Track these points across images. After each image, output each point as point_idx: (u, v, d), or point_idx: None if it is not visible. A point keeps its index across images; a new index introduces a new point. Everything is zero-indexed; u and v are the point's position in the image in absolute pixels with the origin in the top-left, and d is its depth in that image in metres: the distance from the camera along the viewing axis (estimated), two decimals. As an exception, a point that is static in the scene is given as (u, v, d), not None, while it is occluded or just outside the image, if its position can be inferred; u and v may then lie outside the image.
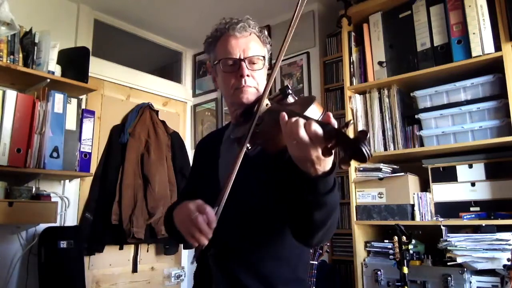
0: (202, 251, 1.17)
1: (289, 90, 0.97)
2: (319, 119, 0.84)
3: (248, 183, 1.09)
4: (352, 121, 0.79)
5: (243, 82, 1.08)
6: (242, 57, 1.09)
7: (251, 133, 0.91)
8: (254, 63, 1.11)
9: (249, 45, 1.10)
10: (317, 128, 0.75)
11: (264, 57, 1.14)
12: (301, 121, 0.77)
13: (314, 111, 0.86)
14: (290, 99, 0.97)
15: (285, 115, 0.81)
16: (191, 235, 0.90)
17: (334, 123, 0.77)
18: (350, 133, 2.36)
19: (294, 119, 0.79)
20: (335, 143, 0.72)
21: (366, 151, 0.67)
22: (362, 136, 0.68)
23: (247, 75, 1.08)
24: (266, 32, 1.18)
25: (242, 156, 0.91)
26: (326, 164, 0.81)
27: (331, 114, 0.78)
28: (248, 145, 0.90)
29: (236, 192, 1.10)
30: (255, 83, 1.10)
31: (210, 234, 0.89)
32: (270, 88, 0.98)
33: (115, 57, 3.13)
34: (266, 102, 0.97)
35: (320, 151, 0.76)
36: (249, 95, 1.09)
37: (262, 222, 1.08)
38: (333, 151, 0.73)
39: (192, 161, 1.40)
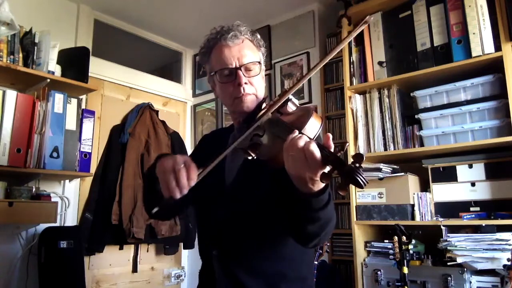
0: (206, 252, 1.18)
1: (289, 96, 0.97)
2: (318, 133, 0.86)
3: (252, 184, 1.09)
4: (348, 144, 0.79)
5: (242, 91, 1.08)
6: (237, 66, 1.08)
7: (251, 144, 0.92)
8: (250, 70, 1.10)
9: (243, 52, 1.10)
10: (315, 152, 0.75)
11: (259, 62, 1.13)
12: (302, 142, 0.77)
13: (313, 124, 0.86)
14: (291, 106, 0.97)
15: (295, 132, 0.82)
16: (167, 184, 0.89)
17: (332, 145, 0.77)
18: (350, 129, 2.37)
19: (295, 138, 0.79)
20: (331, 169, 0.74)
21: (361, 180, 0.68)
22: (357, 162, 0.70)
23: (245, 83, 1.08)
24: (258, 35, 1.18)
25: (222, 156, 0.92)
26: (320, 184, 0.81)
27: (330, 136, 0.78)
28: (253, 154, 0.91)
29: (240, 193, 1.11)
30: (253, 89, 1.10)
31: (186, 190, 0.89)
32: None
33: (115, 57, 3.13)
34: (268, 113, 0.97)
35: (314, 173, 0.77)
36: (249, 103, 1.10)
37: (265, 222, 1.08)
38: (330, 177, 0.74)
39: (192, 152, 1.38)
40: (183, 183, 0.88)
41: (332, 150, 0.76)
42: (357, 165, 0.69)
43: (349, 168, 0.69)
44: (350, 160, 0.73)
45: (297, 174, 0.80)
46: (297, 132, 0.82)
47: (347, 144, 0.78)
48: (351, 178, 0.68)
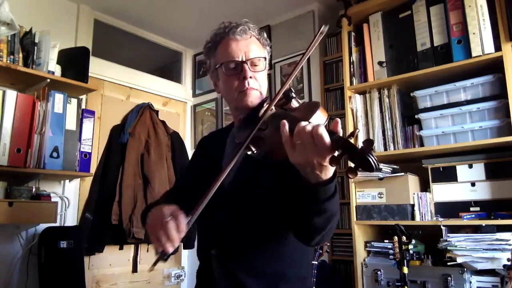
0: (205, 251, 1.18)
1: (293, 94, 0.97)
2: (325, 125, 0.85)
3: (251, 182, 1.09)
4: (358, 130, 0.78)
5: (247, 84, 1.08)
6: (244, 59, 1.09)
7: (252, 138, 0.90)
8: (256, 65, 1.11)
9: (250, 47, 1.11)
10: (324, 135, 0.74)
11: (265, 58, 1.14)
12: (309, 127, 0.76)
13: (319, 117, 0.85)
14: (294, 103, 0.96)
15: (285, 123, 0.80)
16: (158, 240, 0.88)
17: (340, 131, 0.77)
18: (350, 129, 2.37)
19: (302, 125, 0.77)
20: (342, 152, 0.73)
21: (373, 161, 0.67)
22: (368, 145, 0.69)
23: (250, 77, 1.08)
24: (265, 34, 1.19)
25: (233, 163, 0.89)
26: (328, 171, 0.80)
27: (339, 121, 0.78)
28: (253, 149, 0.90)
29: (239, 191, 1.11)
30: (257, 85, 1.10)
31: (177, 242, 0.88)
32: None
33: (115, 57, 3.13)
34: (271, 107, 0.96)
35: (323, 157, 0.76)
36: (253, 98, 1.09)
37: (265, 221, 1.08)
38: (340, 161, 0.73)
39: (191, 157, 1.39)
40: (173, 237, 0.87)
41: (341, 134, 0.75)
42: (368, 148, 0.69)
43: (361, 150, 0.69)
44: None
45: (305, 161, 0.78)
46: (285, 123, 0.81)
47: (358, 130, 0.77)
48: (363, 160, 0.67)
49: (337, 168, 0.77)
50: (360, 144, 0.71)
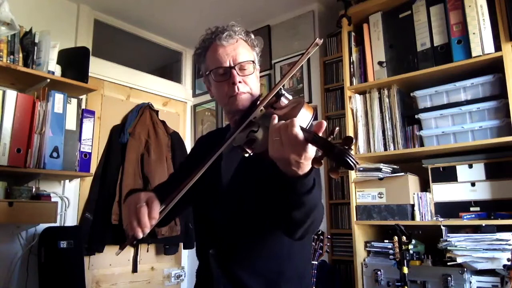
0: (203, 251, 1.18)
1: (281, 91, 0.98)
2: (310, 123, 0.87)
3: (249, 183, 1.10)
4: (337, 129, 0.81)
5: (236, 89, 1.09)
6: (231, 65, 1.10)
7: (247, 140, 0.92)
8: (244, 69, 1.11)
9: (237, 51, 1.11)
10: (298, 132, 0.77)
11: (253, 61, 1.14)
12: (284, 124, 0.78)
13: (305, 114, 0.88)
14: (283, 101, 0.98)
15: (275, 118, 0.83)
16: (129, 224, 0.91)
17: (321, 131, 0.78)
18: (350, 129, 2.37)
19: (279, 122, 0.80)
20: (322, 154, 0.74)
21: (351, 161, 0.69)
22: (347, 144, 0.71)
23: (239, 82, 1.09)
24: (253, 36, 1.19)
25: (211, 161, 0.93)
26: (304, 167, 0.82)
27: (324, 124, 0.79)
28: (249, 151, 0.91)
29: (237, 192, 1.11)
30: (248, 88, 1.11)
31: (148, 229, 0.91)
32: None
33: (115, 57, 3.13)
34: (260, 107, 0.99)
35: (298, 154, 0.78)
36: (244, 101, 1.11)
37: (262, 221, 1.08)
38: (321, 161, 0.75)
39: (188, 153, 1.41)
40: (144, 222, 0.91)
41: (320, 134, 0.77)
42: (346, 147, 0.70)
43: (338, 150, 0.70)
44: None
45: (282, 157, 0.81)
46: (275, 117, 0.84)
47: (337, 128, 0.79)
48: (341, 160, 0.69)
49: (318, 165, 0.78)
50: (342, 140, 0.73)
